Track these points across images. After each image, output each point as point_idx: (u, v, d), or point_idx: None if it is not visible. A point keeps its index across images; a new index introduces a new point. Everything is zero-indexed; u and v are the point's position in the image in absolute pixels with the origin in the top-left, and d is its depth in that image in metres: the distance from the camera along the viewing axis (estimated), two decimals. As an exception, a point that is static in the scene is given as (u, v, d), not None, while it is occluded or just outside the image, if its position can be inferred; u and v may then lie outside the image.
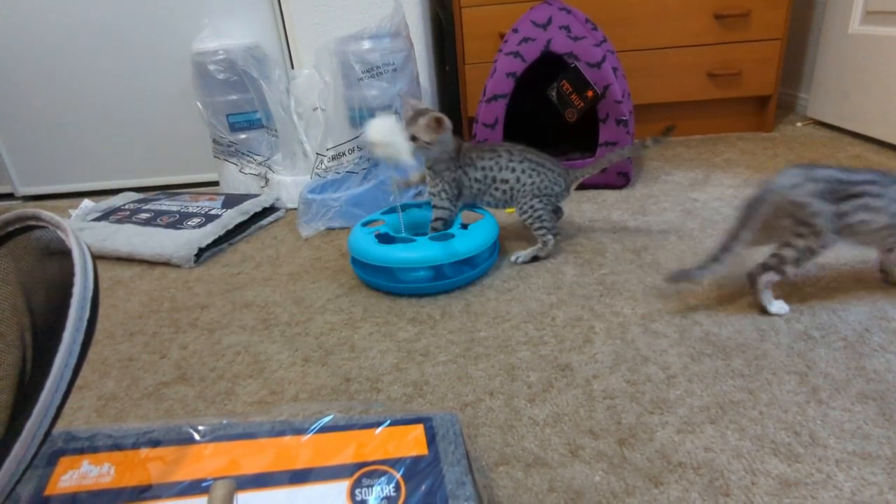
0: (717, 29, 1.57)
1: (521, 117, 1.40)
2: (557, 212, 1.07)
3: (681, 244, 1.02)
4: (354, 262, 1.00)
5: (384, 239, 0.94)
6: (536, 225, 0.99)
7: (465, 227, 0.97)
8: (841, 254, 0.92)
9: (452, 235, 0.93)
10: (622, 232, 1.10)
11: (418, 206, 1.07)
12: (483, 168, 0.99)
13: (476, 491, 0.49)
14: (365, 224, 1.02)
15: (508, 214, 1.24)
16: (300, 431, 0.54)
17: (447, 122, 0.94)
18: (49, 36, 1.56)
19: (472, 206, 1.05)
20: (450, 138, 0.97)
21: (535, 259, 1.01)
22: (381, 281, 0.94)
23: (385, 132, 0.87)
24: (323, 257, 1.12)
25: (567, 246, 1.06)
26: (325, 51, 1.30)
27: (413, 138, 0.93)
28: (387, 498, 0.47)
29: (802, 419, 0.60)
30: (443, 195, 0.99)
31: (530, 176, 0.99)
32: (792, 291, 0.84)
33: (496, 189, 1.00)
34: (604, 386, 0.68)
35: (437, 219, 1.01)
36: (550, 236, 1.00)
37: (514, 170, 0.99)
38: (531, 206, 0.99)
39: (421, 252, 0.90)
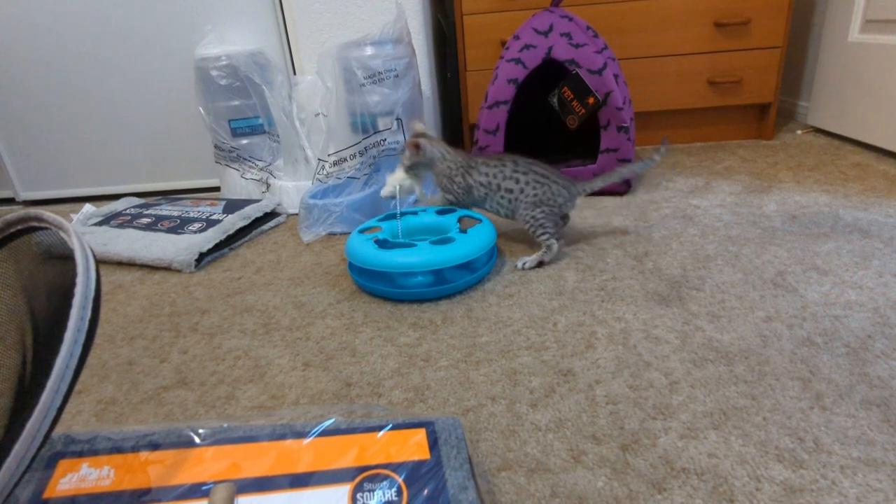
0: (717, 37, 1.57)
1: (523, 124, 1.41)
2: (565, 218, 1.08)
3: (682, 250, 1.02)
4: (352, 267, 1.00)
5: (382, 244, 0.94)
6: (539, 232, 1.00)
7: (463, 231, 0.97)
8: (842, 259, 0.92)
9: (451, 239, 0.93)
10: (623, 238, 1.10)
11: (415, 213, 1.08)
12: (487, 175, 1.04)
13: (478, 496, 0.49)
14: (362, 231, 1.02)
15: (510, 222, 1.24)
16: (301, 435, 0.54)
17: (423, 144, 1.07)
18: (51, 42, 1.56)
19: (470, 212, 1.05)
20: (430, 153, 1.08)
21: (539, 264, 1.01)
22: (380, 287, 0.94)
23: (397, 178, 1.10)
24: (324, 262, 1.12)
25: (568, 251, 1.06)
26: (327, 57, 1.31)
27: (402, 164, 1.10)
28: (388, 502, 0.47)
29: (806, 425, 0.60)
30: (450, 192, 1.08)
31: (533, 188, 1.01)
32: (793, 298, 0.84)
33: (501, 197, 1.04)
34: (606, 391, 0.68)
35: (446, 199, 1.10)
36: (554, 241, 1.00)
37: (517, 181, 1.01)
38: (532, 216, 1.01)
39: (420, 256, 0.90)
